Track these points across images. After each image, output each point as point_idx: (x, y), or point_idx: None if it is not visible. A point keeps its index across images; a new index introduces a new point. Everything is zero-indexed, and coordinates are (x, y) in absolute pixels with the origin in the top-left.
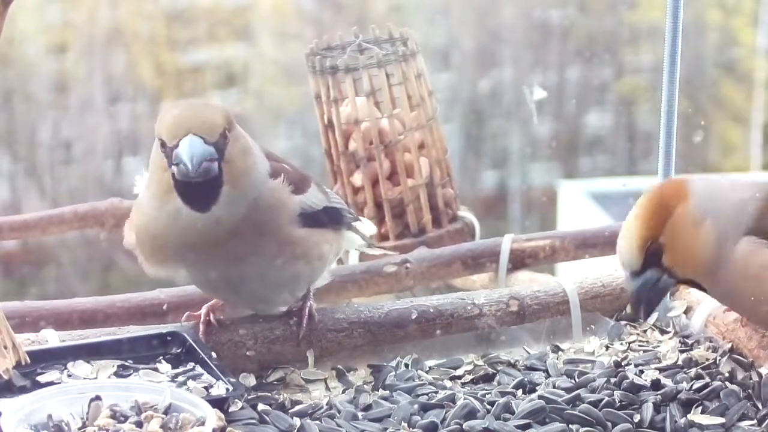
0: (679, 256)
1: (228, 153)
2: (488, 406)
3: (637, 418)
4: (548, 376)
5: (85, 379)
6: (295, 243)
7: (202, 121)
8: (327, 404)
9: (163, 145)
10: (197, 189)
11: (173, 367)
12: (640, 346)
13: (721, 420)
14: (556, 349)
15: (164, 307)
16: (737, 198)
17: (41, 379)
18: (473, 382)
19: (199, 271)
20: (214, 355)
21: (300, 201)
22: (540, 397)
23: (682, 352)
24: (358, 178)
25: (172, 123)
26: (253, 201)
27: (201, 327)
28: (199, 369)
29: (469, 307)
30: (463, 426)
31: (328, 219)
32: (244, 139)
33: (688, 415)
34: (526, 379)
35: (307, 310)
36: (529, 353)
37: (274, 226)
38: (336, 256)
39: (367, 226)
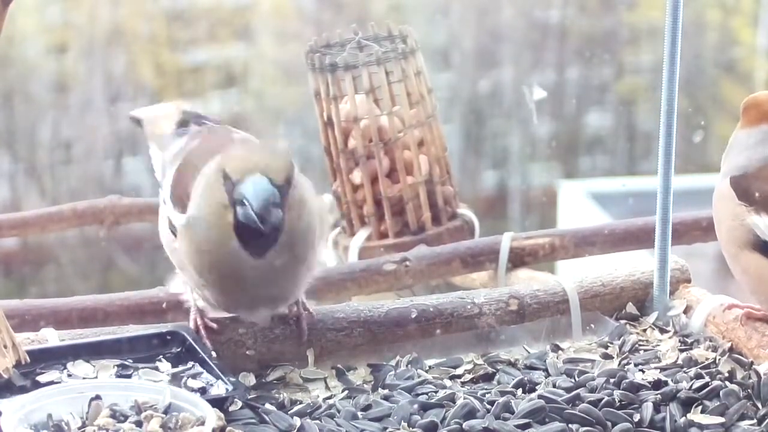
0: None
1: (290, 199)
2: (488, 406)
3: (636, 417)
4: (548, 375)
5: (84, 378)
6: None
7: (270, 160)
8: (327, 403)
9: (226, 178)
10: (260, 235)
11: (173, 366)
12: (639, 345)
13: (721, 419)
14: (556, 349)
15: (164, 305)
16: None
17: (41, 378)
18: (473, 381)
19: (230, 293)
20: (214, 354)
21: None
22: (540, 396)
23: (681, 351)
24: (357, 176)
25: (240, 157)
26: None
27: (203, 332)
28: (198, 368)
29: (468, 306)
30: (463, 425)
31: None
32: (300, 186)
33: (688, 415)
34: (525, 378)
35: (301, 308)
36: (528, 352)
37: (307, 251)
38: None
39: None
